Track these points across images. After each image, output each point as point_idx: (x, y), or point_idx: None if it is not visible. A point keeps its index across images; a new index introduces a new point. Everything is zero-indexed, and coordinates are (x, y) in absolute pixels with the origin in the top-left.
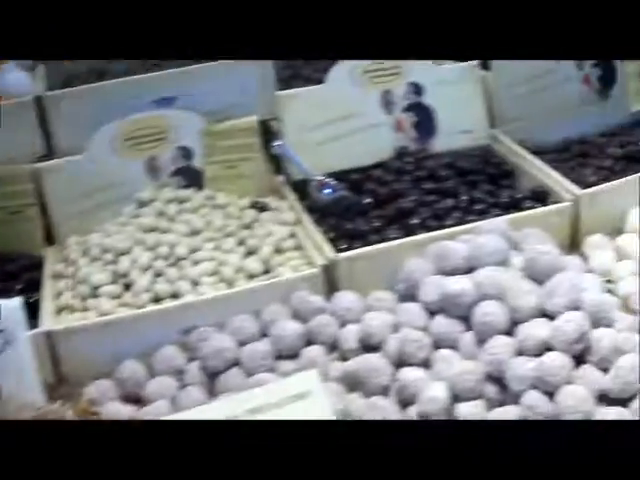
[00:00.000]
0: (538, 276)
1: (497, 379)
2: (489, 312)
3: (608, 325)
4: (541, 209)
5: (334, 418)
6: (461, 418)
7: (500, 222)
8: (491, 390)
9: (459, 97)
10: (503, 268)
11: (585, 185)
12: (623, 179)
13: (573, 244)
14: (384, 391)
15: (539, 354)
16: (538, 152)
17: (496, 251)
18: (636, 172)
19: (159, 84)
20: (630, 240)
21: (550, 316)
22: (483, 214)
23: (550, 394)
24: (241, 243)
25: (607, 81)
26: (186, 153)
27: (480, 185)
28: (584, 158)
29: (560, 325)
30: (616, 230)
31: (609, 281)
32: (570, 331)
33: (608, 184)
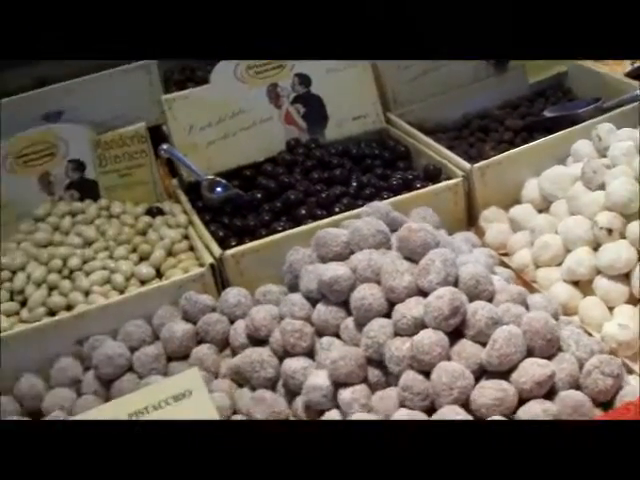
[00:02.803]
0: (412, 255)
1: (378, 362)
2: (365, 296)
3: (487, 298)
4: (431, 187)
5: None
6: (342, 403)
7: (381, 205)
8: (373, 374)
9: (349, 84)
10: (381, 250)
11: (484, 159)
12: (516, 149)
13: (470, 219)
14: (271, 383)
15: (415, 333)
16: (438, 131)
17: (374, 233)
18: None
19: (45, 99)
20: (524, 211)
21: (426, 294)
22: (373, 198)
23: (427, 373)
24: (134, 250)
25: None
26: (78, 165)
27: (374, 170)
28: (484, 133)
29: (431, 301)
30: (514, 201)
31: (505, 254)
32: (442, 307)
33: (500, 156)
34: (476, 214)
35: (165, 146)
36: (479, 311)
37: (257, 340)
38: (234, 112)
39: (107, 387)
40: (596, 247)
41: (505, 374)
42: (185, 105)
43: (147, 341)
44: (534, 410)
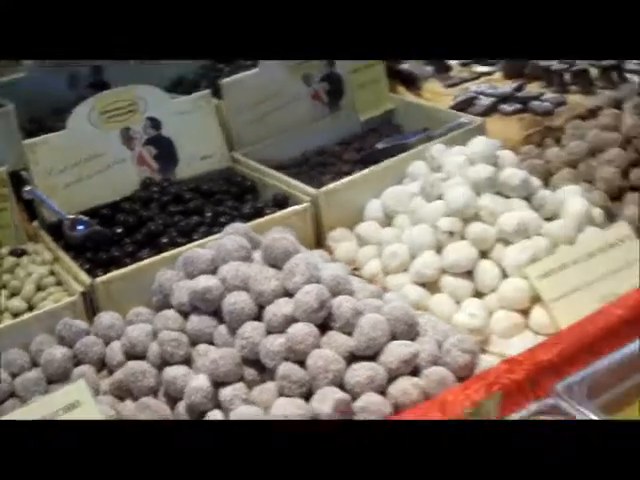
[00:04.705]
0: (276, 261)
1: (253, 362)
2: (236, 301)
3: (348, 293)
4: (281, 212)
5: None
6: (224, 400)
7: (240, 225)
8: (249, 372)
9: (195, 126)
10: (246, 264)
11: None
12: (358, 174)
13: (318, 241)
14: (152, 392)
15: (286, 329)
16: (280, 168)
17: (237, 248)
18: None
19: None
20: (369, 227)
21: (292, 294)
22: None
23: (301, 362)
24: (4, 286)
25: (336, 94)
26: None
27: (224, 202)
28: (323, 167)
29: (300, 298)
30: (358, 222)
31: (355, 269)
32: (310, 301)
33: (343, 181)
34: (324, 236)
35: (28, 188)
36: (344, 304)
37: (134, 357)
38: (90, 155)
39: None
40: (439, 250)
41: (373, 358)
42: (45, 150)
43: (26, 367)
44: (403, 385)
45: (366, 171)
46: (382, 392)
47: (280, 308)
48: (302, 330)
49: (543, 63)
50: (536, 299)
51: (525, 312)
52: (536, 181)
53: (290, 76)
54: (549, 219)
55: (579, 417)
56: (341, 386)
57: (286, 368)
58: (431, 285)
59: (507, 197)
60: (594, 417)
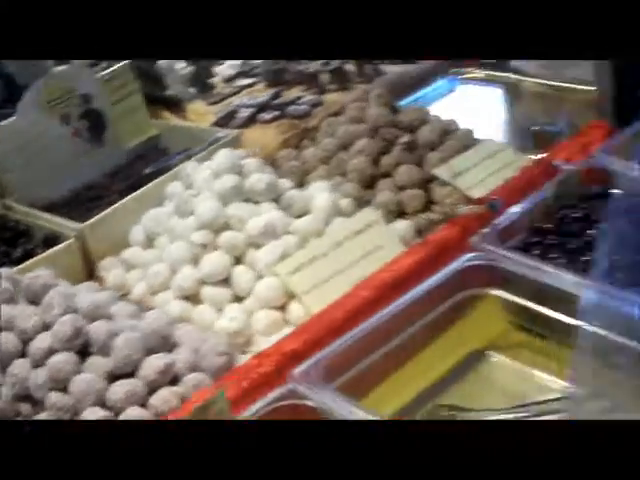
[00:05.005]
0: (36, 298)
1: (27, 396)
2: (3, 343)
3: (106, 318)
4: (49, 251)
5: None
6: None
7: (5, 270)
8: (25, 407)
9: None
10: (10, 306)
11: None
12: (118, 203)
13: (91, 273)
14: None
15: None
16: (51, 208)
17: (1, 291)
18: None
19: None
20: (133, 252)
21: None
22: None
23: (66, 389)
24: None
25: (97, 129)
26: None
27: None
28: (93, 201)
29: (57, 328)
30: (126, 248)
31: (125, 294)
32: (65, 330)
33: (106, 212)
34: (96, 266)
35: None
36: (100, 328)
37: None
38: None
39: None
40: (197, 263)
41: (133, 374)
42: None
43: None
44: (163, 395)
45: (127, 198)
46: (143, 404)
47: (42, 342)
48: (61, 359)
49: (300, 67)
50: (292, 294)
51: (284, 308)
52: (286, 183)
53: (48, 119)
54: (301, 217)
55: (317, 399)
56: (105, 405)
57: (52, 397)
58: (194, 297)
59: (257, 203)
60: (332, 398)
